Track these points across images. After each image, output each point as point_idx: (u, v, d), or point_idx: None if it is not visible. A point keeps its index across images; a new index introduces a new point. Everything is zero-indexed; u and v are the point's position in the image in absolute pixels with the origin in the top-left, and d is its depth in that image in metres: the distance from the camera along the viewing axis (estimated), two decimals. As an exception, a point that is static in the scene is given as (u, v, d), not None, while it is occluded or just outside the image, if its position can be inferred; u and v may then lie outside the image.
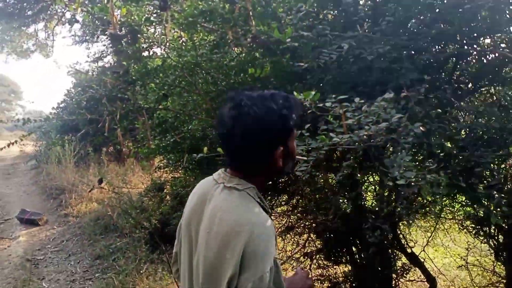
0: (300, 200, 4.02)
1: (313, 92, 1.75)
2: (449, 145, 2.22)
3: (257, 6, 2.65)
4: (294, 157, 1.34)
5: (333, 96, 1.92)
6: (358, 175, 2.77)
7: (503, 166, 2.66)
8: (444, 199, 3.40)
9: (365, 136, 1.74)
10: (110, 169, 10.08)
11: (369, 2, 3.15)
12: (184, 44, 3.71)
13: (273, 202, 4.09)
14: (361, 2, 3.25)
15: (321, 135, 1.92)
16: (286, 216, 4.28)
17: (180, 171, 4.63)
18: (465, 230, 3.64)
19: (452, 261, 4.82)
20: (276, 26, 2.33)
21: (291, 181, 3.69)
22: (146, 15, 2.97)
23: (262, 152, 1.23)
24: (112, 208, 6.61)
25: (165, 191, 5.54)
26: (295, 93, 1.76)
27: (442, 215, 3.99)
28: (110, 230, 6.38)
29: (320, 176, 3.36)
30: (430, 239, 4.32)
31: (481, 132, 2.52)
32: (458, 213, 3.80)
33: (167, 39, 3.33)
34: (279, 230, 4.18)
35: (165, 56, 3.65)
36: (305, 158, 1.89)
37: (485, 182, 2.29)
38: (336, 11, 3.06)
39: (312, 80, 2.79)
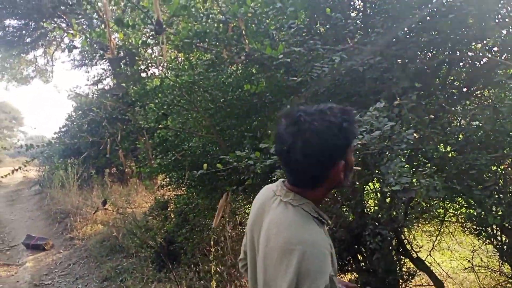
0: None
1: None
2: (443, 149, 2.27)
3: (250, 24, 2.72)
4: (352, 169, 1.33)
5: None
6: (357, 183, 2.82)
7: (502, 167, 2.71)
8: (447, 202, 3.44)
9: (359, 145, 1.79)
10: (114, 190, 10.09)
11: (360, 14, 3.24)
12: (181, 64, 3.79)
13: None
14: (352, 15, 3.35)
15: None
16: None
17: (182, 188, 4.67)
18: (467, 232, 3.66)
19: (459, 264, 4.81)
20: (269, 43, 2.40)
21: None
22: (143, 39, 3.06)
23: (324, 166, 1.21)
24: (117, 229, 6.61)
25: (169, 209, 5.57)
26: (288, 106, 1.81)
27: (446, 219, 4.01)
28: (116, 251, 6.37)
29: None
30: (435, 243, 4.34)
31: (475, 135, 2.57)
32: (461, 216, 3.83)
33: (164, 60, 3.41)
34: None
35: (163, 76, 3.74)
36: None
37: (485, 183, 2.33)
38: (328, 25, 3.15)
39: (307, 93, 2.86)
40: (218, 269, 4.41)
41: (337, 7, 3.11)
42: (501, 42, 2.83)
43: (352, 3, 3.37)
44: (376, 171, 2.55)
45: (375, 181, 3.34)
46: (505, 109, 2.23)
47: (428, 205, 3.18)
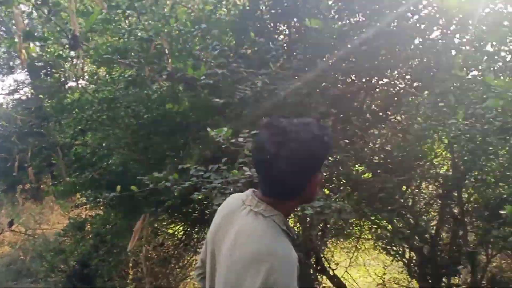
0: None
1: (225, 129, 1.81)
2: (355, 173, 2.39)
3: (176, 43, 2.69)
4: (321, 184, 1.34)
5: (247, 131, 2.00)
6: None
7: (409, 190, 2.91)
8: (362, 220, 3.62)
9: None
10: (26, 207, 9.28)
11: (286, 38, 3.35)
12: (100, 79, 3.64)
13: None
14: (280, 38, 3.45)
15: (238, 168, 1.98)
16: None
17: (101, 208, 4.42)
18: (379, 249, 3.87)
19: (373, 280, 5.06)
20: (192, 63, 2.39)
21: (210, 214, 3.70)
22: (60, 51, 2.89)
23: (304, 178, 1.21)
24: (25, 251, 6.09)
25: (86, 229, 5.23)
26: (208, 129, 1.81)
27: (362, 236, 4.21)
28: (24, 276, 5.85)
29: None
30: (352, 259, 4.53)
31: (387, 160, 2.75)
32: (375, 233, 4.05)
33: (83, 74, 3.24)
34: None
35: (83, 90, 3.55)
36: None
37: (393, 205, 2.49)
38: (256, 48, 3.21)
39: (231, 114, 2.87)
40: (137, 293, 4.22)
41: (263, 31, 3.19)
42: (412, 71, 3.08)
43: (278, 25, 3.48)
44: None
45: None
46: (412, 137, 2.42)
47: (344, 224, 3.33)
